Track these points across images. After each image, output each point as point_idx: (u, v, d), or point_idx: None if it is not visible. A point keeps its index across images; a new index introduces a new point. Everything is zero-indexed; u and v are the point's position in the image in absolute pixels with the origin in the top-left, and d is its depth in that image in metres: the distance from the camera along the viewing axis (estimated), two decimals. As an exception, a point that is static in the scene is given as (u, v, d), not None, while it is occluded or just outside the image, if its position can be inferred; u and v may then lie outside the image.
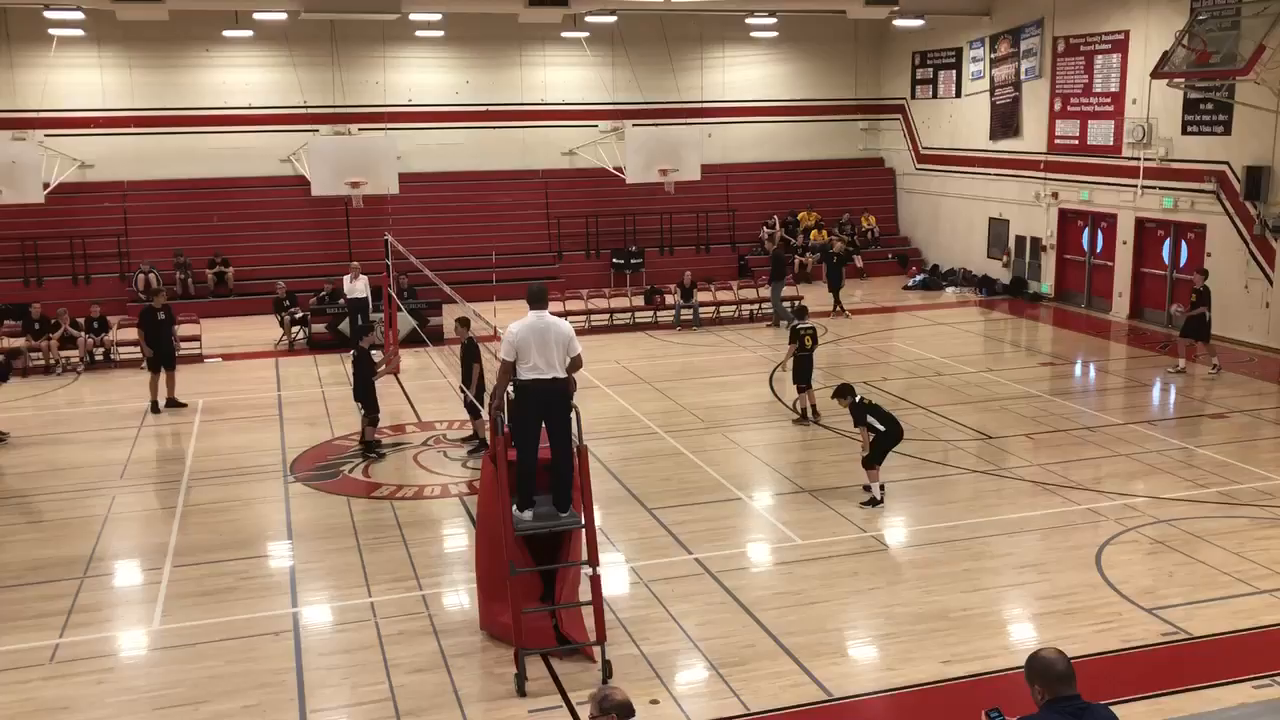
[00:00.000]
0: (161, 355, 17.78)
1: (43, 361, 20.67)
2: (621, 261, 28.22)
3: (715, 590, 10.66)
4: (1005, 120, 27.63)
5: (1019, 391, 18.08)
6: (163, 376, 17.76)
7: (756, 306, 25.00)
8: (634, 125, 28.60)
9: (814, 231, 30.17)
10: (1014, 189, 27.41)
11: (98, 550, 12.05)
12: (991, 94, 28.06)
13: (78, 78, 27.03)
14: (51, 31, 25.38)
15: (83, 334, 21.03)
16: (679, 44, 30.62)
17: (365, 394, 15.18)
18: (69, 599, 10.74)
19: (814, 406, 16.52)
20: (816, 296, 25.82)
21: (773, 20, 28.03)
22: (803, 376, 16.54)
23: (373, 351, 15.97)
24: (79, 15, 23.27)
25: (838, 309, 25.04)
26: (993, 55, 27.90)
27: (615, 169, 27.91)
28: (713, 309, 24.79)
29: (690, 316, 24.16)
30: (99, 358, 21.12)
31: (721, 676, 9.02)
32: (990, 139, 28.26)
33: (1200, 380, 18.61)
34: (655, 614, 10.17)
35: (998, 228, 28.28)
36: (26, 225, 24.77)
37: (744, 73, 31.75)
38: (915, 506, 12.97)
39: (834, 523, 12.41)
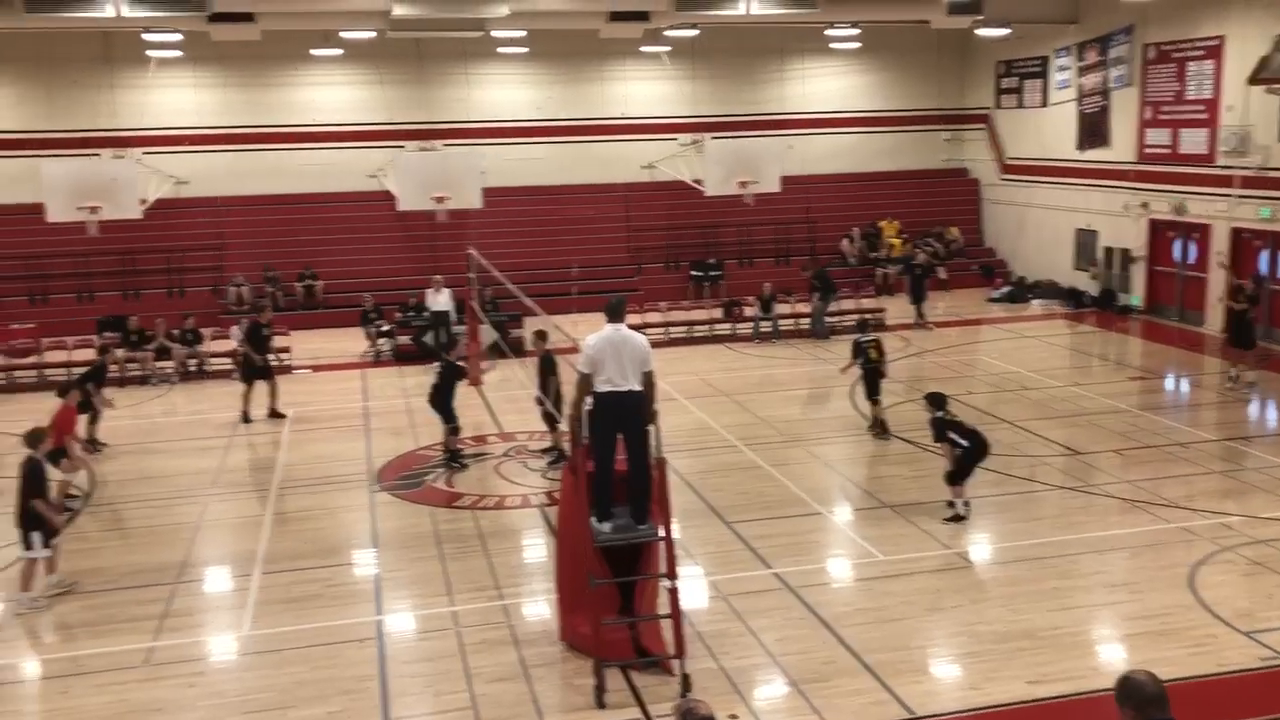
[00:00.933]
0: (263, 367, 18.28)
1: (139, 372, 21.34)
2: (700, 274, 28.21)
3: (795, 605, 10.59)
4: (1093, 129, 27.04)
5: (1108, 406, 17.64)
6: (263, 388, 18.22)
7: (838, 320, 24.78)
8: (713, 138, 28.61)
9: (895, 243, 29.84)
10: (1102, 199, 26.80)
11: (191, 556, 12.40)
12: (1079, 103, 27.49)
13: (174, 97, 27.92)
14: (150, 53, 26.26)
15: (177, 345, 21.67)
16: (759, 56, 30.57)
17: (445, 405, 15.39)
18: (163, 603, 11.05)
19: (882, 421, 16.33)
20: (899, 309, 25.51)
21: (854, 31, 27.85)
22: (873, 390, 16.45)
23: (461, 363, 16.19)
24: (177, 37, 24.03)
25: (921, 321, 24.71)
26: (1080, 63, 27.33)
27: (694, 182, 27.94)
28: (792, 321, 24.63)
29: (769, 329, 24.05)
30: (192, 369, 21.74)
31: (801, 693, 8.95)
32: (1077, 149, 27.67)
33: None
34: (734, 628, 10.13)
35: (1085, 239, 27.67)
36: (126, 240, 25.59)
37: (824, 84, 31.58)
38: (1000, 523, 12.73)
39: (916, 539, 12.24)
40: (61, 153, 26.08)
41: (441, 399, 15.39)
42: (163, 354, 21.64)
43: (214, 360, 21.82)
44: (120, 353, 21.15)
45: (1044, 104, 29.00)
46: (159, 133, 27.66)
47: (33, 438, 11.36)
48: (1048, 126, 28.89)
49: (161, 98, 27.76)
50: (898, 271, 28.40)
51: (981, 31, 27.26)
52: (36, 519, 10.94)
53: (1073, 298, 27.26)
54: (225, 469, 15.79)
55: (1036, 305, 27.72)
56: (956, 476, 12.69)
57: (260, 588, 11.42)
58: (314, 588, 11.41)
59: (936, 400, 13.03)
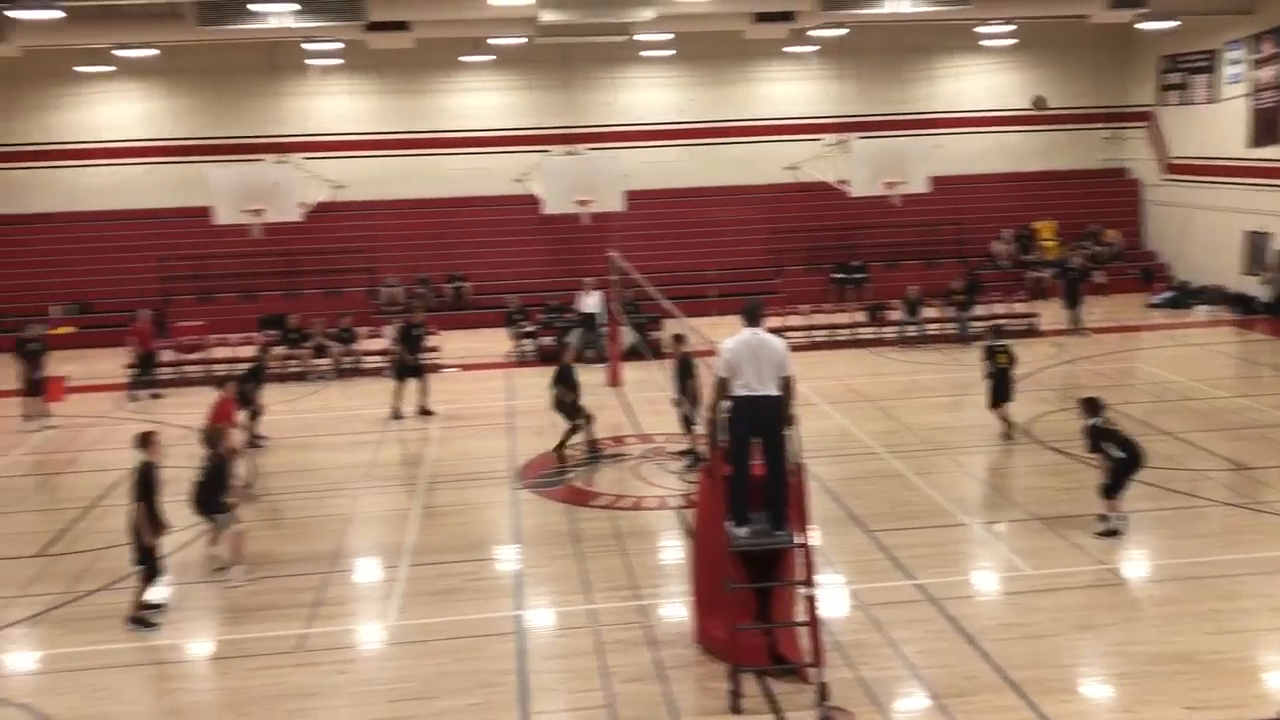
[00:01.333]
0: (414, 366, 18.86)
1: (297, 369, 22.29)
2: (843, 276, 27.82)
3: (936, 618, 10.33)
4: (1268, 126, 25.56)
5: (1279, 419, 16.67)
6: (414, 386, 18.79)
7: (986, 325, 24.05)
8: (859, 138, 28.18)
9: (1050, 245, 28.83)
10: (1275, 200, 25.31)
11: (342, 547, 12.87)
12: (1253, 98, 26.02)
13: (333, 104, 29.09)
14: (310, 62, 27.42)
15: (333, 344, 22.55)
16: (907, 55, 30.00)
17: (572, 404, 15.60)
18: (316, 591, 11.51)
19: (1009, 423, 16.10)
20: (1053, 314, 24.63)
21: (1008, 28, 27.04)
22: (1000, 394, 16.18)
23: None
24: (336, 46, 25.02)
25: (1076, 327, 23.82)
26: (1254, 56, 25.88)
27: (839, 182, 27.57)
28: (940, 326, 24.05)
29: (915, 333, 23.55)
30: (348, 366, 22.58)
31: (943, 707, 8.73)
32: (1250, 146, 26.21)
33: None
34: (873, 639, 9.95)
35: (1256, 242, 26.17)
36: (286, 242, 26.74)
37: (975, 82, 30.78)
38: (1157, 539, 12.16)
39: (1067, 553, 11.79)
40: (228, 158, 27.47)
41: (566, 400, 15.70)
42: (320, 352, 22.54)
43: (368, 358, 22.61)
44: (279, 350, 22.13)
45: (1212, 100, 27.57)
46: (318, 138, 28.85)
47: (212, 437, 12.19)
48: (1216, 124, 27.45)
49: (321, 105, 28.96)
50: (1052, 275, 27.42)
51: (1145, 25, 26.09)
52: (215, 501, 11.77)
53: (1241, 304, 25.83)
54: (377, 463, 16.34)
55: (1201, 311, 26.37)
56: (1112, 489, 12.17)
57: (407, 579, 11.78)
58: (457, 581, 11.70)
59: (1092, 406, 12.50)
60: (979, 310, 24.11)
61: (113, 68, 26.91)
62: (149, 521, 10.67)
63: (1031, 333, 23.76)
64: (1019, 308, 24.78)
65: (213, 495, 11.87)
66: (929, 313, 24.01)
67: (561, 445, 15.91)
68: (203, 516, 12.02)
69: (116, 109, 28.70)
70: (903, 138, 28.66)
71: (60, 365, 20.57)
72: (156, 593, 10.99)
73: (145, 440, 10.98)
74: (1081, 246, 28.70)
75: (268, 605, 11.25)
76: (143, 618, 10.70)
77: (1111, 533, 12.09)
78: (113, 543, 13.15)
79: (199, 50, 26.91)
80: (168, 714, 9.19)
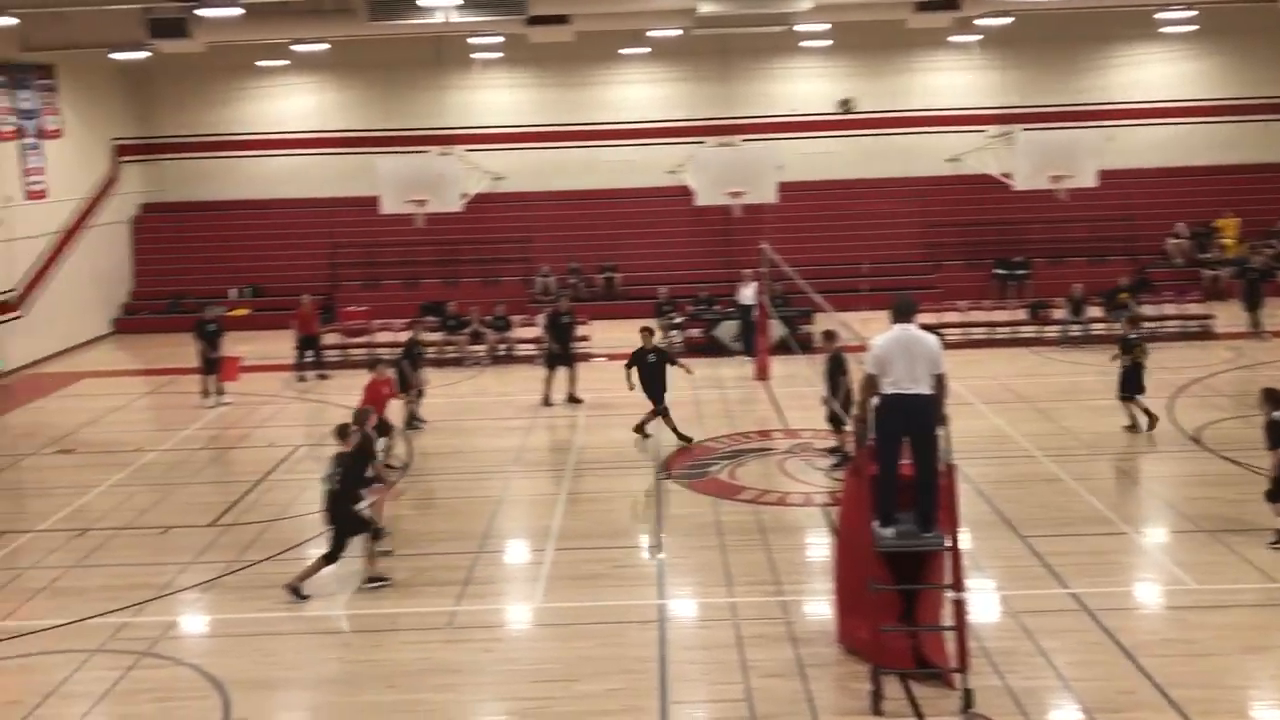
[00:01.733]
0: (563, 354, 19.20)
1: (454, 354, 22.95)
2: (1004, 272, 26.96)
3: (1092, 629, 9.94)
4: None
5: None
6: (562, 373, 19.13)
7: (1158, 324, 22.96)
8: (1025, 130, 27.21)
9: (1229, 243, 27.28)
10: None
11: (492, 528, 13.21)
12: None
13: (494, 97, 29.78)
14: (474, 56, 28.13)
15: (489, 331, 23.13)
16: (1078, 43, 28.80)
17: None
18: (466, 570, 11.84)
19: (1147, 412, 15.87)
20: (1230, 316, 23.32)
21: (1190, 14, 25.66)
22: (1133, 387, 15.92)
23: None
24: (498, 40, 25.59)
25: (1255, 330, 22.49)
26: None
27: (1002, 175, 26.71)
28: (1106, 326, 23.03)
29: (1079, 333, 22.63)
30: (501, 353, 23.13)
31: (1094, 722, 8.41)
32: None
33: None
34: (1023, 647, 9.65)
35: None
36: (446, 232, 27.51)
37: (1151, 71, 29.34)
38: (1340, 558, 11.39)
39: (1236, 568, 11.17)
40: (394, 150, 28.44)
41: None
42: (476, 338, 23.16)
43: (521, 346, 23.10)
44: (437, 336, 22.84)
45: None
46: (479, 131, 29.58)
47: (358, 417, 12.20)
48: None
49: (483, 98, 29.67)
50: (1230, 274, 25.93)
51: (1342, 8, 24.38)
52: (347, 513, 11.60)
53: None
54: (526, 448, 16.69)
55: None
56: (1278, 495, 11.44)
57: (552, 562, 12.01)
58: (602, 567, 11.87)
59: (1275, 398, 11.64)
60: (1148, 310, 22.98)
61: (287, 62, 28.19)
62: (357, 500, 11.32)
63: (1206, 335, 22.57)
64: (1193, 308, 23.54)
65: (346, 504, 11.31)
66: (1094, 312, 23.03)
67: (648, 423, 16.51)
68: (335, 529, 11.29)
69: (291, 102, 30.07)
70: (1071, 129, 27.50)
71: (234, 346, 21.74)
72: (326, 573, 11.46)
73: (351, 427, 11.55)
74: (1265, 245, 27.04)
75: (420, 582, 11.64)
76: (297, 588, 11.21)
77: (1287, 547, 11.39)
78: (279, 515, 13.88)
79: (369, 45, 27.92)
80: (324, 681, 9.62)
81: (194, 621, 10.96)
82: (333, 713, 9.08)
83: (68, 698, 9.42)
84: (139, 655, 10.13)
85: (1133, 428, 16.00)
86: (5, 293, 23.68)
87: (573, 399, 19.07)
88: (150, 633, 10.59)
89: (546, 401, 19.00)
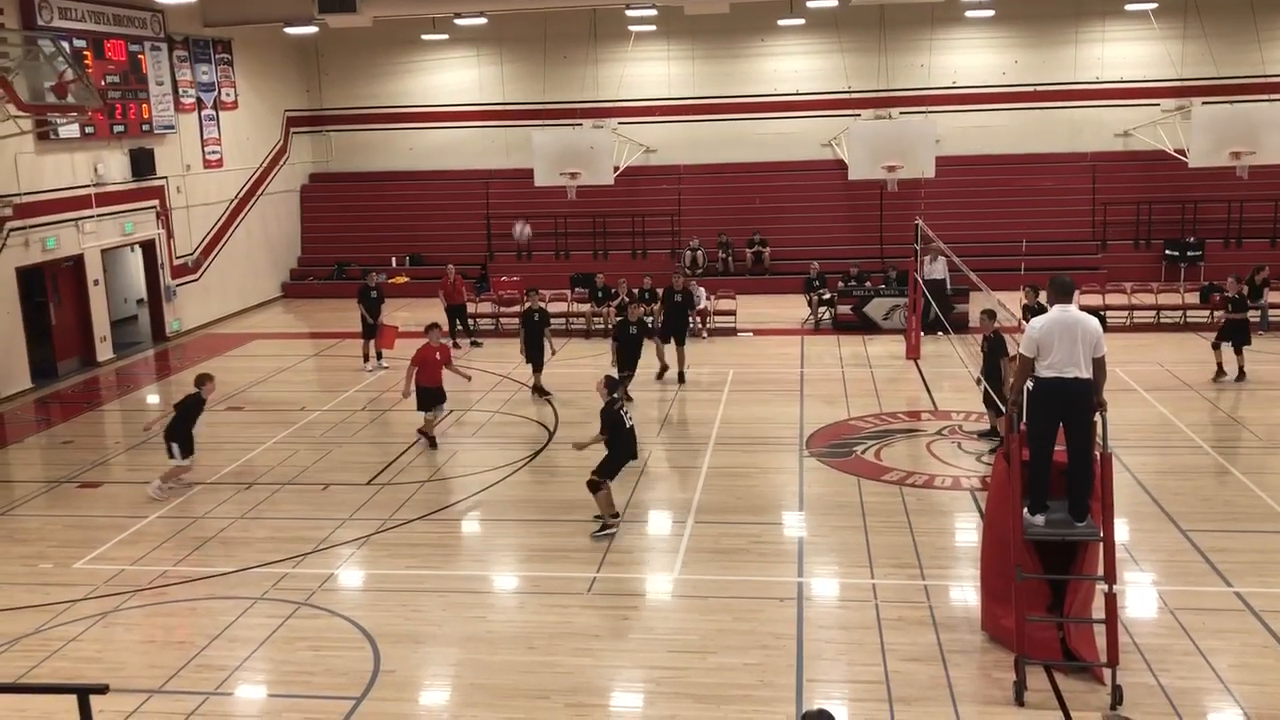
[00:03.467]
0: (672, 330, 19.16)
1: (603, 326, 23.20)
2: (1176, 254, 25.66)
3: (1257, 631, 9.44)
4: None
5: None
6: (674, 350, 19.07)
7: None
8: (1203, 103, 25.76)
9: None
10: None
11: (633, 499, 13.35)
12: None
13: (648, 70, 29.82)
14: (630, 28, 28.22)
15: (636, 303, 23.22)
16: (1267, 10, 27.00)
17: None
18: (607, 539, 12.01)
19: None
20: None
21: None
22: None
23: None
24: (653, 12, 25.60)
25: None
26: None
27: (1176, 151, 25.37)
28: (1285, 312, 21.71)
29: (1257, 319, 21.34)
30: (649, 325, 23.21)
31: (1256, 729, 8.00)
32: None
33: None
34: (1180, 645, 9.24)
35: None
36: (597, 204, 27.81)
37: (1348, 39, 27.32)
38: None
39: None
40: (549, 122, 28.87)
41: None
42: (623, 310, 23.30)
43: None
44: (587, 308, 23.14)
45: None
46: (632, 104, 29.70)
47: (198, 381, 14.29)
48: None
49: (637, 70, 29.76)
50: None
51: None
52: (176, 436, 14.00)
53: None
54: (670, 420, 16.79)
55: None
56: None
57: (691, 535, 12.07)
58: (741, 542, 11.88)
59: None
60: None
61: (447, 36, 28.86)
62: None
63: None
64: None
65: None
66: (1275, 296, 21.70)
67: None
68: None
69: (451, 75, 30.78)
70: (1255, 102, 25.90)
71: (393, 312, 22.48)
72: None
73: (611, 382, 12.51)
74: None
75: (561, 548, 11.88)
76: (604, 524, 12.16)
77: None
78: (432, 476, 14.35)
79: (526, 19, 28.34)
80: (467, 638, 9.93)
81: (349, 575, 11.45)
82: (473, 669, 9.38)
83: (232, 641, 10.00)
84: (298, 605, 10.66)
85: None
86: (183, 256, 25.08)
87: (681, 378, 18.96)
88: (309, 584, 11.13)
89: (681, 378, 18.98)
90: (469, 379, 17.46)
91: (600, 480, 12.16)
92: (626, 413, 12.32)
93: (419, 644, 9.85)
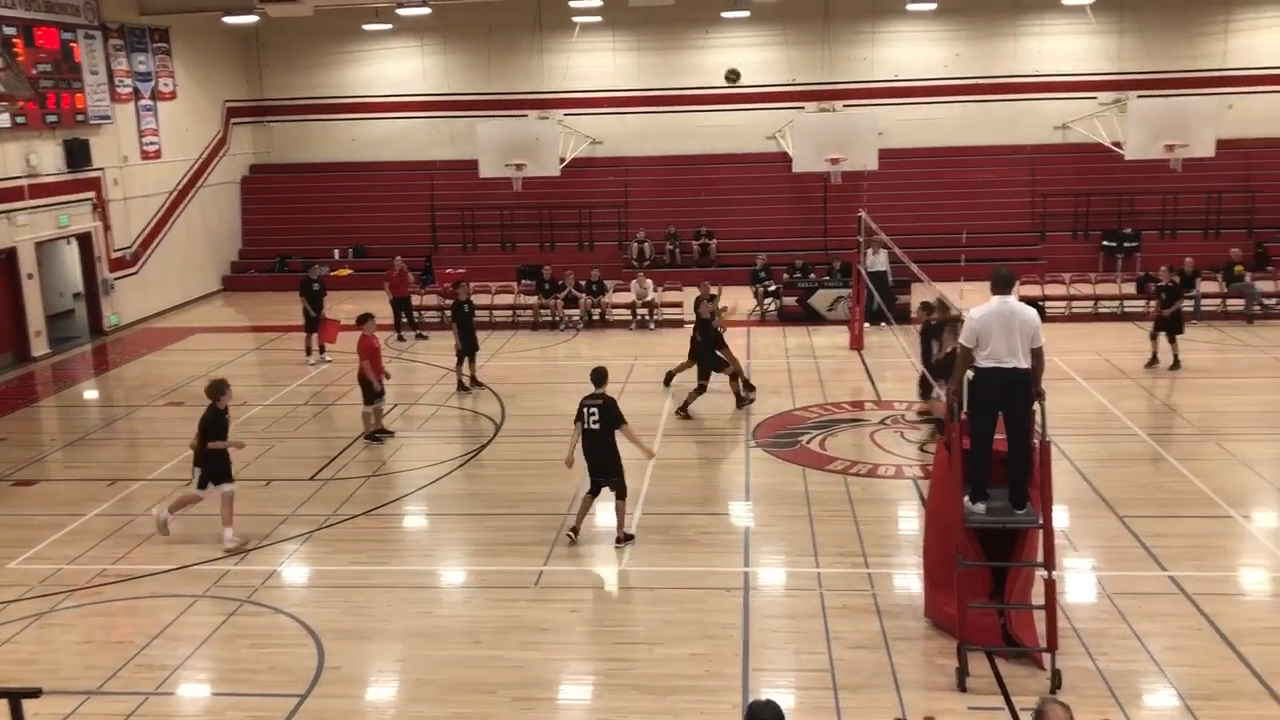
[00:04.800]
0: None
1: (550, 318, 23.16)
2: (1113, 244, 26.12)
3: (1190, 614, 9.67)
4: None
5: None
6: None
7: (1275, 302, 22.03)
8: (1139, 97, 26.25)
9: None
10: None
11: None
12: None
13: (593, 61, 29.73)
14: (575, 19, 28.11)
15: (584, 295, 23.26)
16: (1200, 6, 27.59)
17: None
18: (555, 531, 12.00)
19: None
20: (1352, 293, 22.31)
21: (1321, -26, 24.38)
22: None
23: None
24: (597, 3, 25.52)
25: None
26: None
27: (1113, 144, 25.82)
28: (1218, 302, 22.20)
29: (1190, 309, 21.81)
30: (595, 317, 23.26)
31: (1189, 709, 8.20)
32: None
33: None
34: (1116, 629, 9.43)
35: None
36: (543, 195, 27.68)
37: (1274, 36, 27.92)
38: None
39: (1349, 557, 10.75)
40: (494, 114, 28.66)
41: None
42: (571, 302, 23.31)
43: (616, 310, 23.19)
44: (534, 300, 23.09)
45: None
46: (578, 95, 29.59)
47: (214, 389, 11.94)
48: None
49: (582, 61, 29.65)
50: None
51: None
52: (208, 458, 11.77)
53: None
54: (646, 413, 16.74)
55: None
56: None
57: (639, 527, 12.07)
58: (688, 533, 11.93)
59: None
60: (1265, 286, 22.10)
61: (391, 26, 28.54)
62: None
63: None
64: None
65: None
66: (1207, 286, 22.19)
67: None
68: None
69: (395, 66, 30.44)
70: (1187, 97, 26.43)
71: (337, 305, 22.23)
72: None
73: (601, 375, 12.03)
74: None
75: (509, 541, 11.85)
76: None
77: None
78: (375, 472, 14.23)
79: (471, 9, 28.11)
80: (412, 634, 9.87)
81: (292, 572, 11.32)
82: (419, 664, 9.32)
83: (173, 640, 9.84)
84: (240, 602, 10.53)
85: None
86: (121, 249, 24.59)
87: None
88: (251, 581, 10.99)
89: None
90: (388, 377, 17.27)
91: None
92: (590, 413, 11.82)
93: (364, 640, 9.77)
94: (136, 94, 25.17)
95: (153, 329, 24.46)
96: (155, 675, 9.23)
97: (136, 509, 13.12)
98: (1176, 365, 18.06)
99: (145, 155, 25.56)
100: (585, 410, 11.70)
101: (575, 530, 11.72)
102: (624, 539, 11.65)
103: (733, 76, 21.95)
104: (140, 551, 11.87)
